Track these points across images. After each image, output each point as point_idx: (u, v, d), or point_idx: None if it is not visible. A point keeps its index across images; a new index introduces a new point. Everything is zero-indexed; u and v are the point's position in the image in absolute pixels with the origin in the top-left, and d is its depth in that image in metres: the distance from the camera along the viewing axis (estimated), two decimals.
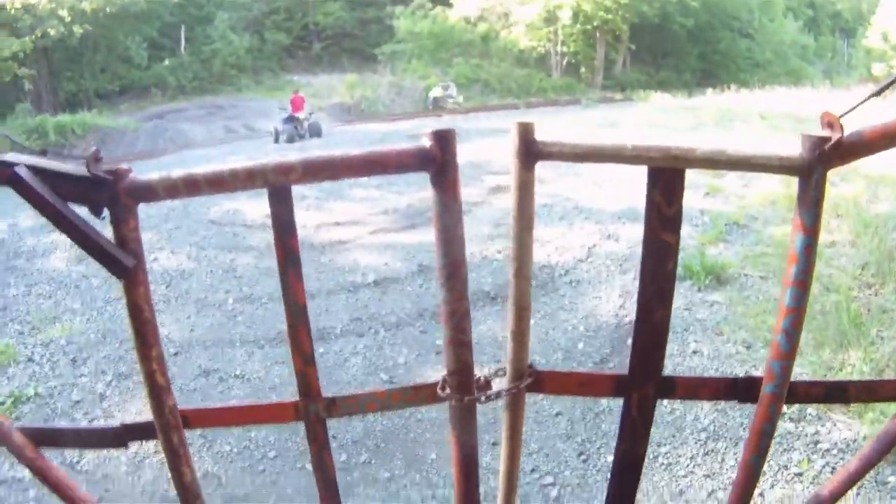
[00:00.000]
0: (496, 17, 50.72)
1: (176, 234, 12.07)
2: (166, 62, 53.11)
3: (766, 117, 22.35)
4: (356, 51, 60.97)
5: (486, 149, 17.44)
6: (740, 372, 6.43)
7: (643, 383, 2.35)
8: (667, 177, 2.18)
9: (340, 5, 63.55)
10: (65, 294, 9.60)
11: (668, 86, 44.22)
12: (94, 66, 49.34)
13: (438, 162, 2.05)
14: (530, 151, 2.13)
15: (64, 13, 40.01)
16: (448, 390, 2.30)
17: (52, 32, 40.02)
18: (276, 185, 2.08)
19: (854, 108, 2.12)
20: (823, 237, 8.70)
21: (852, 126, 2.06)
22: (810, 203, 2.11)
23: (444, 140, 2.05)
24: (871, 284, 8.18)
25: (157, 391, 2.23)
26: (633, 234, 10.29)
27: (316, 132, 29.84)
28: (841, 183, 11.99)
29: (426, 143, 2.05)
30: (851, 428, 5.48)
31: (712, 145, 2.15)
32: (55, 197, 1.91)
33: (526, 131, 2.13)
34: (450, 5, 52.52)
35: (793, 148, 2.13)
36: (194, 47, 55.25)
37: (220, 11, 57.44)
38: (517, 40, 48.35)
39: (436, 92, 42.19)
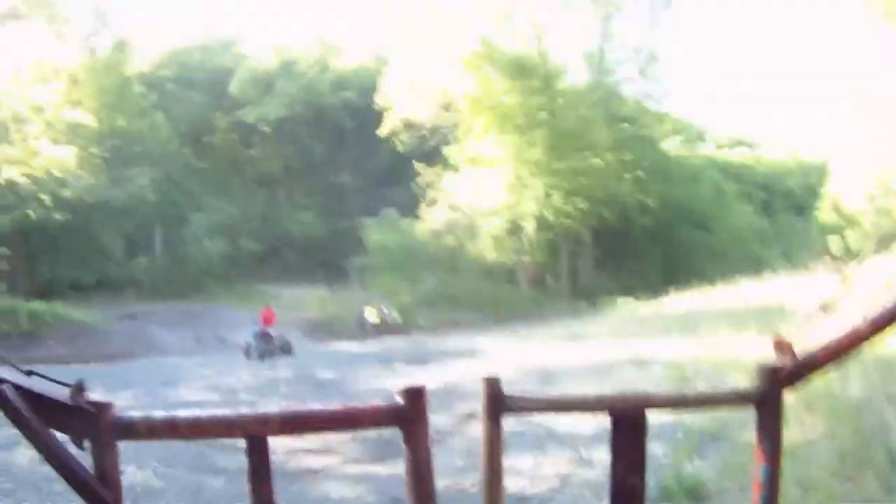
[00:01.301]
0: (462, 229, 52.12)
1: (142, 446, 11.61)
2: (142, 260, 53.71)
3: (731, 314, 22.60)
4: (328, 261, 61.74)
5: (457, 371, 17.50)
6: None
7: None
8: (629, 422, 2.32)
9: (313, 214, 65.51)
10: (26, 493, 9.27)
11: (632, 288, 44.05)
12: (71, 255, 49.59)
13: (409, 420, 2.18)
14: (498, 407, 2.27)
15: (45, 197, 40.45)
16: None
17: (31, 215, 40.37)
18: (254, 435, 2.16)
19: (807, 334, 2.39)
20: (800, 436, 8.80)
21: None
22: (769, 430, 2.24)
23: (415, 398, 2.18)
24: (852, 477, 8.08)
25: None
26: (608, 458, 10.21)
27: (287, 350, 29.78)
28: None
29: (398, 400, 2.18)
30: None
31: (672, 388, 2.40)
32: (40, 424, 1.93)
33: (493, 388, 2.27)
34: (417, 217, 54.13)
35: (748, 378, 2.35)
36: (170, 248, 56.15)
37: (196, 214, 58.80)
38: (484, 252, 49.38)
39: (371, 317, 41.57)
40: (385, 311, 41.36)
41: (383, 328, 39.90)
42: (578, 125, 47.44)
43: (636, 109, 52.37)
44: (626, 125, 50.45)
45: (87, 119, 46.67)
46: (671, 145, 58.64)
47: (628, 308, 37.79)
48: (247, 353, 29.41)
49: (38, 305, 37.47)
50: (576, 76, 53.01)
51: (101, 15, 53.65)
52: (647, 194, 47.22)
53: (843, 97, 54.71)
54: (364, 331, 40.12)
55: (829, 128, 58.77)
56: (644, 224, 48.43)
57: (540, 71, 48.37)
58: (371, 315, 41.21)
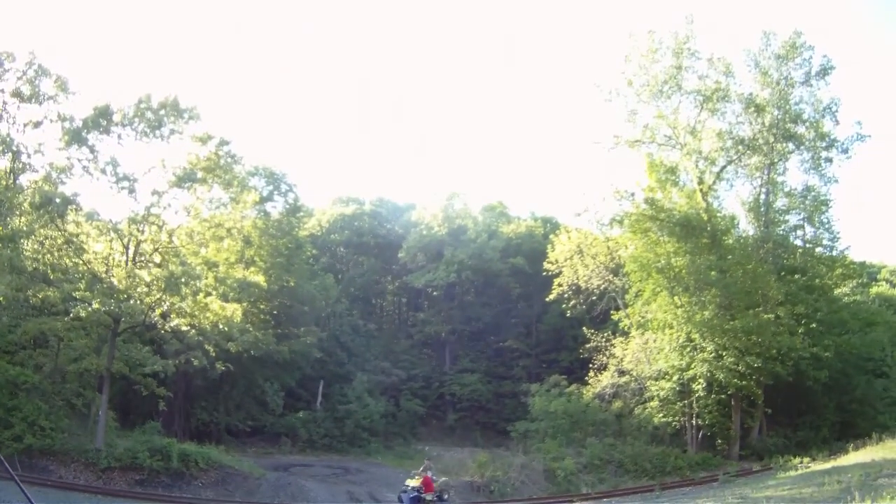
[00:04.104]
0: (630, 393, 50.21)
1: None
2: (300, 413, 54.64)
3: None
4: (490, 424, 61.66)
5: None
6: None
7: None
8: None
9: (477, 377, 65.30)
10: None
11: (806, 446, 41.61)
12: (229, 402, 51.14)
13: None
14: None
15: (210, 348, 41.55)
16: None
17: (195, 362, 41.50)
18: None
19: None
20: None
21: None
22: None
23: None
24: None
25: None
26: None
27: None
28: None
29: None
30: None
31: None
32: None
33: None
34: (585, 383, 52.34)
35: None
36: (331, 404, 56.82)
37: (360, 373, 59.57)
38: (652, 416, 47.21)
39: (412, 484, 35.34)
40: (432, 477, 37.08)
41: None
42: (749, 281, 45.39)
43: (806, 258, 49.97)
44: (796, 276, 48.01)
45: (258, 278, 48.07)
46: (844, 291, 55.15)
47: (803, 468, 34.87)
48: None
49: (190, 447, 37.92)
50: (743, 229, 51.63)
51: (275, 180, 56.28)
52: (822, 346, 44.07)
53: None
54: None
55: None
56: (818, 377, 45.02)
57: (708, 229, 47.13)
58: (412, 483, 36.27)
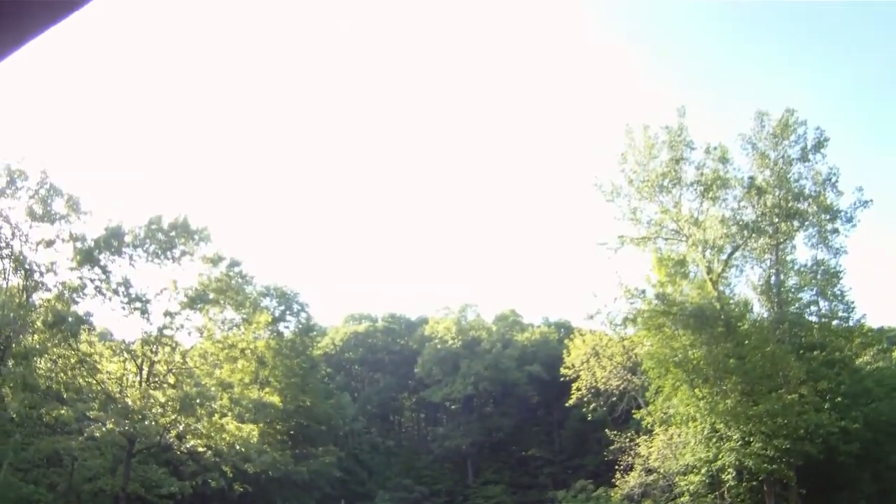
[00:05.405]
0: (659, 491, 49.40)
1: None
2: None
3: None
4: None
5: None
6: None
7: None
8: None
9: (501, 489, 64.18)
10: None
11: None
12: None
13: None
14: None
15: (227, 469, 41.02)
16: None
17: (212, 483, 40.93)
18: None
19: None
20: None
21: None
22: None
23: None
24: None
25: None
26: None
27: None
28: None
29: None
30: None
31: None
32: None
33: None
34: (613, 485, 51.42)
35: None
36: None
37: (381, 491, 58.74)
38: None
39: None
40: None
41: None
42: (769, 364, 44.75)
43: (823, 333, 49.24)
44: (816, 352, 47.27)
45: (273, 398, 47.90)
46: (866, 359, 54.10)
47: None
48: None
49: None
50: (757, 312, 51.17)
51: (287, 300, 56.51)
52: (850, 419, 43.02)
53: None
54: None
55: None
56: (849, 451, 43.84)
57: (722, 317, 46.75)
58: None
